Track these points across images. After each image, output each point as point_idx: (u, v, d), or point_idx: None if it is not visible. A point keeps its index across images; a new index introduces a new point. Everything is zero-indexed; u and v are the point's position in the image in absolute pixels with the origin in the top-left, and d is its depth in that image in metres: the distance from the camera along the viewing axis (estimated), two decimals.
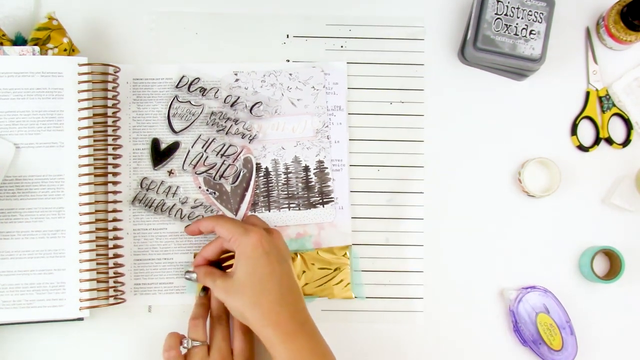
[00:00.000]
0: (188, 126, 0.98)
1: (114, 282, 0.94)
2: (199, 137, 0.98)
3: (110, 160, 0.96)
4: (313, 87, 0.99)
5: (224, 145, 0.97)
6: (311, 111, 0.99)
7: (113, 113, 0.96)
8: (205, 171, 0.97)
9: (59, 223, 0.91)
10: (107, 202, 0.95)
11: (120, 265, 0.95)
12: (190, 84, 0.98)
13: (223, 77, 0.99)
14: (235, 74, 0.99)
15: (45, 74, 0.92)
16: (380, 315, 0.97)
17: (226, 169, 0.97)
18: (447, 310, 0.98)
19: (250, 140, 0.98)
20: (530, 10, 0.94)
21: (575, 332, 0.96)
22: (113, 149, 0.96)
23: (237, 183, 0.97)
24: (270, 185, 0.98)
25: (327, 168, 0.98)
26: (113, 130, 0.95)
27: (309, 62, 1.00)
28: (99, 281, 0.93)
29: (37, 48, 0.93)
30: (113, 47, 0.99)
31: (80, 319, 0.92)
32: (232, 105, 0.98)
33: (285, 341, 0.82)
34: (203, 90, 0.98)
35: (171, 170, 0.97)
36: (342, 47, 1.01)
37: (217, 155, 0.97)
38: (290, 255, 0.91)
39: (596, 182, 1.00)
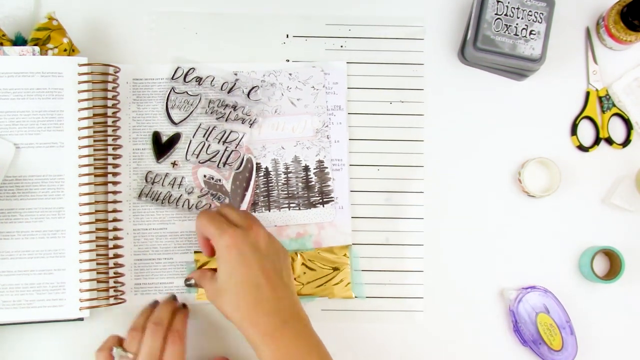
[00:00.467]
0: (187, 116, 0.98)
1: (114, 282, 0.94)
2: (199, 127, 0.98)
3: (110, 160, 0.96)
4: (313, 86, 0.99)
5: (225, 132, 0.98)
6: (311, 111, 0.99)
7: (113, 113, 0.96)
8: (209, 159, 0.97)
9: (59, 223, 0.91)
10: (107, 202, 0.95)
11: (121, 265, 0.95)
12: (186, 74, 0.98)
13: (223, 77, 0.99)
14: (235, 74, 0.99)
15: (45, 74, 0.92)
16: (380, 314, 0.98)
17: (229, 156, 0.97)
18: (447, 310, 0.98)
19: (251, 124, 0.98)
20: (530, 11, 0.94)
21: (575, 332, 0.96)
22: (113, 149, 0.96)
23: (241, 169, 0.97)
24: (270, 185, 0.98)
25: (327, 168, 0.98)
26: (113, 130, 0.95)
27: (309, 61, 1.00)
28: (99, 281, 0.93)
29: (37, 48, 0.93)
30: (113, 47, 0.99)
31: (80, 319, 0.92)
32: (229, 92, 0.98)
33: (266, 341, 0.80)
34: (199, 80, 0.98)
35: (174, 161, 0.97)
36: (341, 46, 1.01)
37: (219, 142, 0.98)
38: (276, 251, 0.87)
39: (596, 182, 1.00)
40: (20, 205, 0.91)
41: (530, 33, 0.94)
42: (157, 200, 0.97)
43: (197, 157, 0.97)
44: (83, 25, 0.99)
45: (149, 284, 0.96)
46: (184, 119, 0.98)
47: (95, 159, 0.94)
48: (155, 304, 0.94)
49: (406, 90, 1.01)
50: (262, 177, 0.98)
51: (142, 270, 0.96)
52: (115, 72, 0.96)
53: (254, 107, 0.98)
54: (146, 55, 0.99)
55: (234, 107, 0.98)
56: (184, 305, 0.95)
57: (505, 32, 0.94)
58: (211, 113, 0.98)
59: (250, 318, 0.81)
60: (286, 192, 0.98)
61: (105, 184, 0.95)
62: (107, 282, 0.94)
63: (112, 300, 0.93)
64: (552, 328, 0.95)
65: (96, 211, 0.93)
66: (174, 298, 0.95)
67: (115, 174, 0.96)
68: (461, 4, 1.02)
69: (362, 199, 0.99)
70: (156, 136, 0.97)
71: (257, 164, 0.98)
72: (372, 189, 0.99)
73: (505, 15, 0.94)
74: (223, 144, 0.98)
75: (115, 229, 0.95)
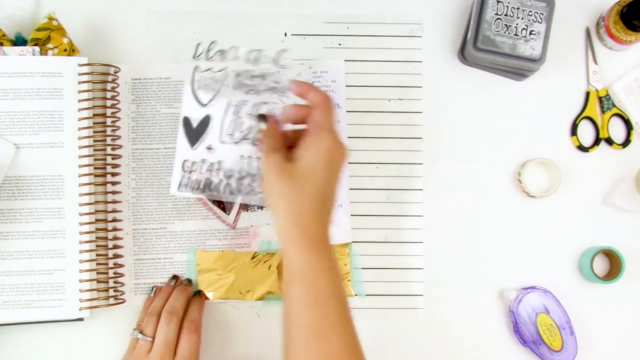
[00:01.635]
0: (215, 95, 0.91)
1: (114, 282, 0.94)
2: (229, 104, 0.91)
3: (109, 160, 0.96)
4: None
5: (256, 105, 0.90)
6: None
7: (112, 113, 0.96)
8: (244, 137, 0.90)
9: (59, 223, 0.92)
10: (106, 202, 0.95)
11: (120, 266, 0.95)
12: (208, 50, 0.91)
13: (247, 47, 0.96)
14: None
15: (45, 74, 0.93)
16: (380, 312, 0.98)
17: None
18: (448, 307, 0.98)
19: (282, 93, 0.90)
20: (530, 11, 0.94)
21: (575, 332, 0.96)
22: (112, 149, 0.96)
23: None
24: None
25: None
26: (112, 131, 0.95)
27: (307, 60, 1.00)
28: (99, 281, 0.93)
29: (37, 48, 0.93)
30: (113, 47, 0.99)
31: (80, 319, 0.92)
32: (255, 61, 0.91)
33: (313, 247, 0.76)
34: (222, 52, 0.91)
35: (209, 145, 0.91)
36: (340, 44, 1.01)
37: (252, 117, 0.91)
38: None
39: (596, 182, 1.00)
40: (20, 205, 0.92)
41: (530, 33, 0.94)
42: (197, 189, 0.90)
43: (231, 137, 0.90)
44: (83, 25, 0.99)
45: (149, 284, 0.96)
46: (212, 99, 0.91)
47: (95, 159, 0.94)
48: (173, 279, 0.95)
49: (405, 88, 1.01)
50: None
51: (142, 270, 0.96)
52: (115, 72, 0.96)
53: (284, 75, 0.90)
54: (144, 55, 0.99)
55: (263, 77, 0.91)
56: (200, 292, 0.95)
57: (505, 32, 0.94)
58: (239, 87, 0.90)
59: (305, 220, 0.77)
60: None
61: (105, 184, 0.95)
62: (107, 282, 0.94)
63: (112, 300, 0.94)
64: (552, 328, 0.95)
65: (96, 211, 0.94)
66: (189, 282, 0.96)
67: (114, 174, 0.96)
68: (461, 4, 1.02)
69: (361, 197, 0.99)
70: (186, 122, 0.91)
71: None
72: (371, 186, 0.99)
73: (505, 15, 0.94)
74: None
75: (114, 229, 0.95)
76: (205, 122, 0.91)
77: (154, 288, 0.95)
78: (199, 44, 0.90)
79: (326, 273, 0.76)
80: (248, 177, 0.90)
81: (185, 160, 0.90)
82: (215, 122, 0.91)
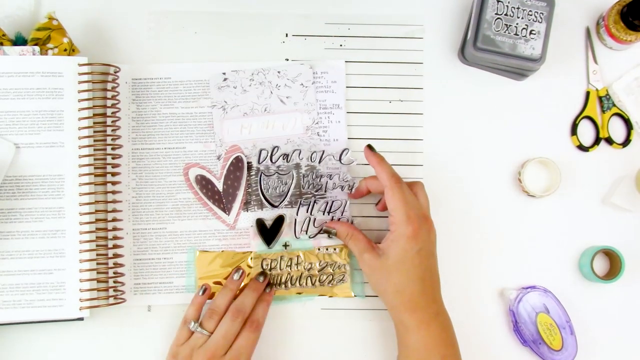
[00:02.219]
0: (285, 196, 0.97)
1: (114, 282, 0.94)
2: (300, 204, 0.97)
3: (110, 160, 0.96)
4: (302, 84, 0.99)
5: (327, 203, 0.97)
6: (300, 108, 0.99)
7: (113, 113, 0.96)
8: (318, 232, 0.97)
9: (59, 223, 0.92)
10: (106, 202, 0.95)
11: (120, 265, 0.95)
12: (272, 155, 0.98)
13: (309, 149, 0.99)
14: (224, 74, 0.99)
15: (45, 74, 0.93)
16: (380, 313, 0.97)
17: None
18: (448, 307, 0.97)
19: (351, 188, 0.97)
20: (530, 10, 0.94)
21: (575, 332, 0.96)
22: (112, 149, 0.96)
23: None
24: (262, 183, 0.97)
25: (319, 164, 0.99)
26: (112, 130, 0.95)
27: (308, 60, 1.00)
28: (99, 281, 0.93)
29: (37, 48, 0.93)
30: (113, 47, 0.99)
31: (80, 319, 0.92)
32: (320, 162, 0.98)
33: (421, 328, 0.87)
34: (286, 157, 0.98)
35: (286, 243, 0.97)
36: (341, 45, 1.01)
37: (324, 214, 0.97)
38: (435, 248, 0.91)
39: (596, 182, 1.00)
40: (20, 205, 0.91)
41: (530, 33, 0.94)
42: (280, 285, 0.97)
43: (306, 233, 0.97)
44: (83, 25, 0.99)
45: (149, 284, 0.96)
46: (283, 200, 0.97)
47: (95, 159, 0.94)
48: (238, 273, 0.95)
49: (405, 89, 1.01)
50: (253, 176, 0.98)
51: (142, 270, 0.96)
52: (115, 72, 0.96)
53: (349, 172, 0.98)
54: (145, 55, 0.99)
55: (330, 176, 0.97)
56: (270, 286, 0.96)
57: (505, 32, 0.94)
58: (309, 186, 0.98)
59: (410, 305, 0.87)
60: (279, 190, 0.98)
61: (105, 184, 0.95)
62: (107, 282, 0.94)
63: (112, 300, 0.93)
64: (552, 328, 0.95)
65: (96, 211, 0.94)
66: (263, 276, 0.95)
67: (114, 174, 0.96)
68: (461, 4, 1.02)
69: (362, 198, 0.99)
70: (260, 224, 0.97)
71: (248, 162, 0.98)
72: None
73: (506, 15, 0.94)
74: (329, 214, 0.97)
75: (114, 229, 0.95)
76: (279, 222, 0.97)
77: (204, 286, 0.94)
78: (261, 150, 0.97)
79: (439, 349, 0.87)
80: (327, 267, 0.97)
81: (264, 259, 0.97)
82: (289, 220, 0.97)
